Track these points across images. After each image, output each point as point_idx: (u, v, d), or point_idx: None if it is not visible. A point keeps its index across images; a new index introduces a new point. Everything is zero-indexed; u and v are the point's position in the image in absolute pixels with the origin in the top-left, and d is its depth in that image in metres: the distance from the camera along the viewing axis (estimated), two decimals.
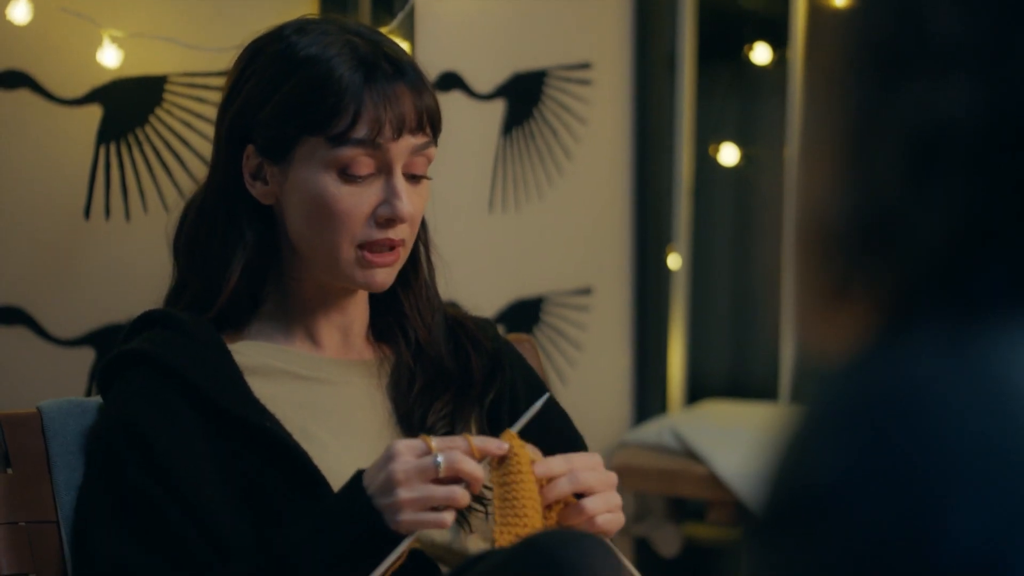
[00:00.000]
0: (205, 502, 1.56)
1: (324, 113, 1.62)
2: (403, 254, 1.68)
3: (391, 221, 1.65)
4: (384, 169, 1.65)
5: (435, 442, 1.52)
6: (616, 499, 1.62)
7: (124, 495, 1.57)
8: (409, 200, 1.65)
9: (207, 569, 1.55)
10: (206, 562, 1.55)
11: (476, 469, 1.52)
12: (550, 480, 1.58)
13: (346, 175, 1.63)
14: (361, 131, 1.62)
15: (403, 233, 1.66)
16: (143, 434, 1.58)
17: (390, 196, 1.64)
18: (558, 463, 1.59)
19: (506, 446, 1.56)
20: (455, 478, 1.51)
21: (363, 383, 1.72)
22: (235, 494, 1.59)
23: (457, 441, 1.54)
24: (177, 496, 1.56)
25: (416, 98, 1.65)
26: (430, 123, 1.66)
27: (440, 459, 1.50)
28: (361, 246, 1.65)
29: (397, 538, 1.51)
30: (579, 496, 1.60)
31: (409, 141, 1.64)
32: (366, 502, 1.51)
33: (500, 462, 1.55)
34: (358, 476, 1.54)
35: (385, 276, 1.67)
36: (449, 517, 1.51)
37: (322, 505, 1.56)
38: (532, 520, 1.55)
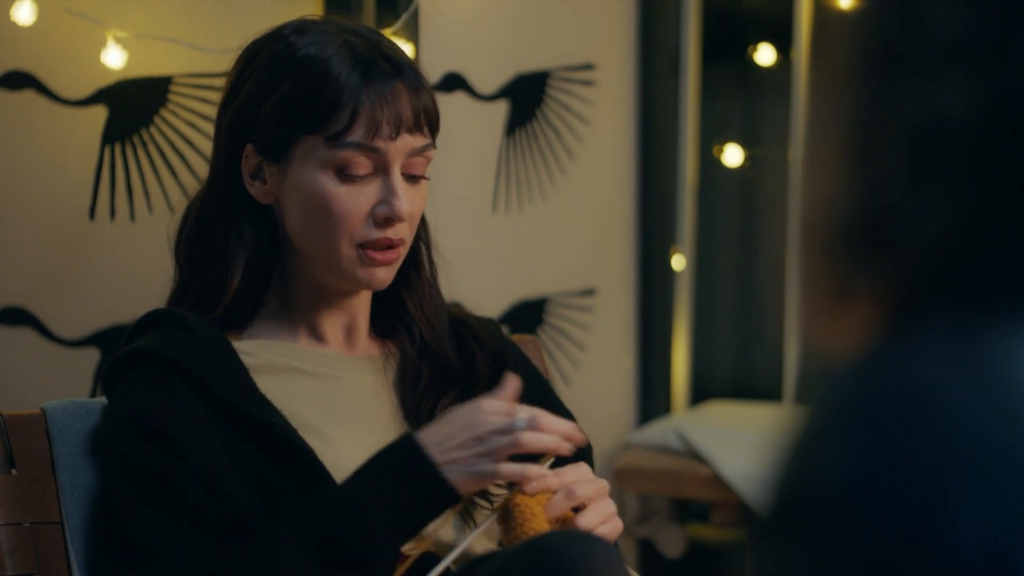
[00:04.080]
0: (227, 481, 1.56)
1: (321, 112, 1.62)
2: (402, 252, 1.68)
3: (389, 220, 1.65)
4: (381, 169, 1.65)
5: (520, 408, 1.56)
6: (610, 507, 1.63)
7: (149, 483, 1.56)
8: (407, 199, 1.65)
9: (249, 536, 1.54)
10: (243, 528, 1.54)
11: (562, 426, 1.56)
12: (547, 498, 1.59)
13: (344, 175, 1.64)
14: (358, 132, 1.62)
15: (402, 232, 1.66)
16: (155, 423, 1.57)
17: (388, 195, 1.65)
18: (551, 480, 1.60)
19: (579, 438, 1.58)
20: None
21: (369, 378, 1.73)
22: (246, 486, 1.59)
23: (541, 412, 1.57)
24: (199, 475, 1.55)
25: (414, 97, 1.65)
26: (428, 123, 1.66)
27: (522, 421, 1.54)
28: (361, 245, 1.65)
29: (453, 494, 1.54)
30: (576, 509, 1.60)
31: (407, 141, 1.64)
32: (425, 460, 1.53)
33: (503, 519, 1.57)
34: (410, 439, 1.55)
35: (385, 274, 1.67)
36: (507, 469, 1.54)
37: (373, 466, 1.56)
38: None
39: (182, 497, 1.55)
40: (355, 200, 1.64)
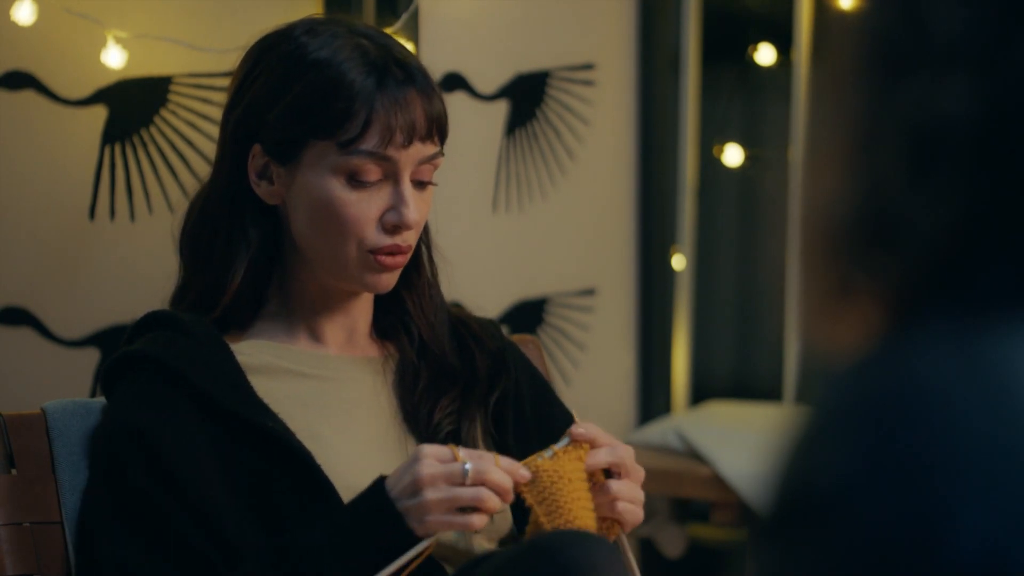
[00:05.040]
0: (210, 504, 1.56)
1: (334, 118, 1.61)
2: (408, 257, 1.68)
3: (398, 228, 1.65)
4: (392, 176, 1.64)
5: (462, 452, 1.52)
6: (640, 493, 1.63)
7: (128, 498, 1.57)
8: (416, 207, 1.65)
9: (213, 573, 1.55)
10: (212, 566, 1.55)
11: (504, 480, 1.51)
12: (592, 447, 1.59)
13: (354, 181, 1.63)
14: (372, 140, 1.61)
15: (409, 239, 1.67)
16: (146, 437, 1.58)
17: (398, 203, 1.64)
18: (603, 436, 1.60)
19: (528, 474, 1.54)
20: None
21: (368, 380, 1.72)
22: (240, 495, 1.59)
23: (485, 455, 1.53)
24: (182, 499, 1.56)
25: (427, 104, 1.64)
26: (439, 131, 1.66)
27: (468, 466, 1.50)
28: (370, 251, 1.65)
29: (417, 542, 1.51)
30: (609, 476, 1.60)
31: (418, 149, 1.64)
32: (389, 506, 1.51)
33: (531, 483, 1.55)
34: (380, 481, 1.53)
35: (389, 279, 1.67)
36: (479, 520, 1.50)
37: (342, 510, 1.56)
38: (583, 520, 1.55)
39: (162, 522, 1.55)
40: (365, 206, 1.64)
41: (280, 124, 1.64)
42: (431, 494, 1.49)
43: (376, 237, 1.64)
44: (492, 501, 1.50)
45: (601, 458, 1.58)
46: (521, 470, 1.54)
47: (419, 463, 1.50)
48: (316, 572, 1.51)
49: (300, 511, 1.58)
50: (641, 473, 1.64)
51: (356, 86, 1.61)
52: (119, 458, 1.59)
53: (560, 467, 1.55)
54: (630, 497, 1.61)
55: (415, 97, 1.64)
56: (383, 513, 1.51)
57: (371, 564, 1.51)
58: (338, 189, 1.63)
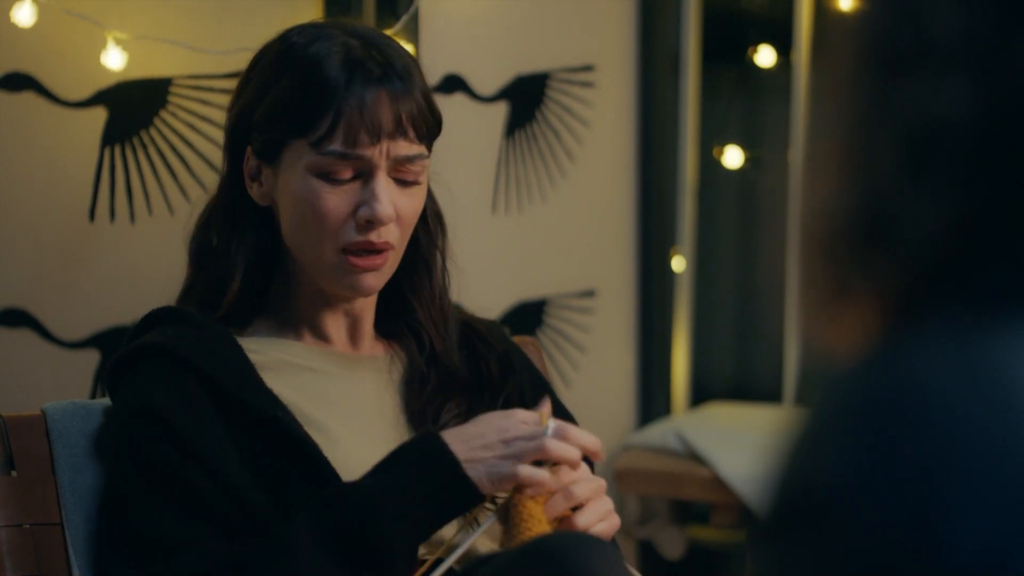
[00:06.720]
0: (233, 475, 1.56)
1: (307, 116, 1.62)
2: (392, 258, 1.67)
3: (371, 223, 1.64)
4: (365, 173, 1.64)
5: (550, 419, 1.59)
6: (607, 505, 1.64)
7: (153, 473, 1.56)
8: (389, 202, 1.64)
9: (261, 528, 1.55)
10: (246, 530, 1.54)
11: (590, 440, 1.59)
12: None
13: (328, 179, 1.63)
14: (338, 140, 1.61)
15: (388, 235, 1.65)
16: (163, 415, 1.57)
17: (369, 198, 1.63)
18: (549, 481, 1.60)
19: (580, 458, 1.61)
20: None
21: (373, 378, 1.73)
22: (251, 478, 1.59)
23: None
24: (206, 469, 1.55)
25: (394, 103, 1.62)
26: (415, 129, 1.65)
27: (552, 424, 1.57)
28: (344, 250, 1.64)
29: (475, 492, 1.56)
30: (575, 508, 1.61)
31: (390, 146, 1.63)
32: (450, 457, 1.55)
33: (503, 519, 1.58)
34: (433, 434, 1.58)
35: (372, 280, 1.67)
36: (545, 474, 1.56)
37: (389, 459, 1.58)
38: None
39: (192, 491, 1.55)
40: (337, 202, 1.63)
41: (264, 124, 1.65)
42: (506, 449, 1.56)
43: (349, 233, 1.64)
44: (557, 449, 1.56)
45: (560, 506, 1.61)
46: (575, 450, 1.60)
47: (510, 419, 1.58)
48: (373, 516, 1.53)
49: (306, 502, 1.58)
50: (601, 484, 1.65)
51: (329, 84, 1.62)
52: (136, 439, 1.58)
53: (528, 504, 1.59)
54: (599, 518, 1.63)
55: (383, 96, 1.62)
56: (441, 461, 1.55)
57: (435, 511, 1.56)
58: (313, 186, 1.63)
